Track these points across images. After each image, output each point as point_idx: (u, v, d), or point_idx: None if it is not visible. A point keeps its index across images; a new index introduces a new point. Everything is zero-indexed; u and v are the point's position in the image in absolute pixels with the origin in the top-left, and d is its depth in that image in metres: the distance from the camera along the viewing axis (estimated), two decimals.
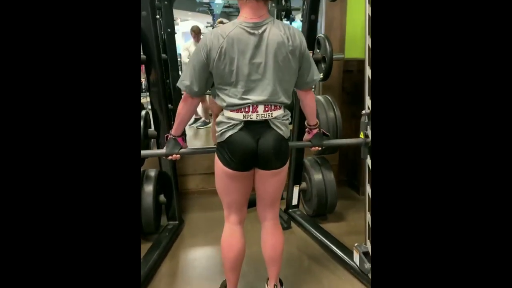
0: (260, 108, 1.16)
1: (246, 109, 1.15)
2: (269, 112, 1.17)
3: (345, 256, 1.70)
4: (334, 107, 1.90)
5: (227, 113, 1.18)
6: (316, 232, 1.95)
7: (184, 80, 1.19)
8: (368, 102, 1.48)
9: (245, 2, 1.13)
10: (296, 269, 1.73)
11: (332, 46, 1.85)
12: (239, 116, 1.16)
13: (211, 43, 1.11)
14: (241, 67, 1.11)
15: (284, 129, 1.21)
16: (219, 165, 1.24)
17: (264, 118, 1.16)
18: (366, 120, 1.46)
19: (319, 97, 1.97)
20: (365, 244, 1.60)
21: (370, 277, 1.49)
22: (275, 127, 1.19)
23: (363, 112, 1.47)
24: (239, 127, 1.16)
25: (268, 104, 1.16)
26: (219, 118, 1.21)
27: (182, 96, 1.24)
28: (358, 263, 1.57)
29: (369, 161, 1.50)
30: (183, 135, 1.36)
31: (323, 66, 1.92)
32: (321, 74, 1.93)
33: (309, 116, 1.36)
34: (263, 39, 1.11)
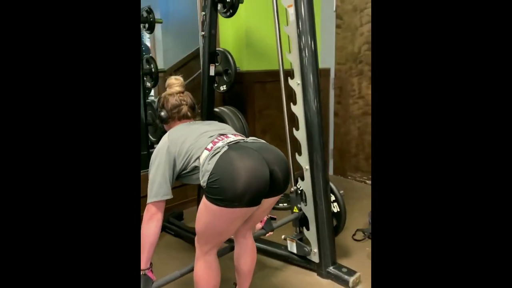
0: (231, 136, 1.19)
1: (220, 138, 1.16)
2: (238, 137, 1.19)
3: (277, 250, 1.86)
4: (240, 117, 2.03)
5: (205, 153, 1.11)
6: None
7: (151, 193, 1.14)
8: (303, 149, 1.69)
9: (177, 122, 1.33)
10: (233, 278, 1.75)
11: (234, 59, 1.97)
12: (218, 144, 1.12)
13: (165, 145, 1.17)
14: (196, 128, 1.22)
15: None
16: (213, 211, 1.05)
17: (241, 139, 1.18)
18: (295, 196, 1.71)
19: (223, 108, 2.04)
20: (296, 232, 1.82)
21: (311, 259, 1.71)
22: (259, 140, 1.20)
23: (292, 189, 1.72)
24: (225, 148, 1.08)
25: (235, 134, 1.22)
26: (200, 166, 1.11)
27: (147, 215, 1.13)
28: (296, 251, 1.76)
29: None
30: (151, 266, 1.17)
31: (225, 78, 2.01)
32: (225, 86, 2.01)
33: None
34: (200, 122, 1.33)
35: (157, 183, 1.13)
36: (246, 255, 1.35)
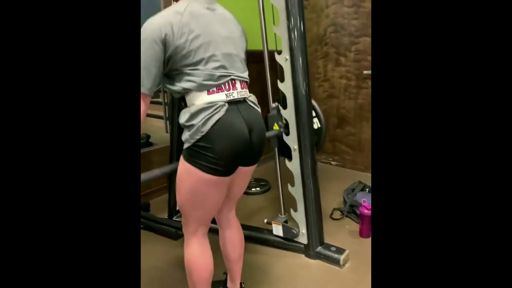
0: (238, 85, 1.04)
1: (227, 86, 1.00)
2: (245, 89, 1.07)
3: (259, 234, 1.79)
4: None
5: (204, 97, 0.97)
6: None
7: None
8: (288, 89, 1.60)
9: None
10: (222, 268, 1.65)
11: None
12: (221, 96, 0.99)
13: (166, 27, 0.93)
14: (211, 40, 0.98)
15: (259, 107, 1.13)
16: (196, 176, 0.98)
17: (243, 96, 1.05)
18: (276, 113, 1.61)
19: None
20: (281, 215, 1.76)
21: (300, 240, 1.68)
22: (254, 106, 1.09)
23: (273, 105, 1.61)
24: (224, 108, 0.97)
25: (242, 80, 1.06)
26: (193, 109, 0.96)
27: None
28: (282, 234, 1.71)
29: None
30: None
31: None
32: None
33: None
34: (221, 16, 1.04)
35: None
36: (233, 239, 1.27)
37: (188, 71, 0.96)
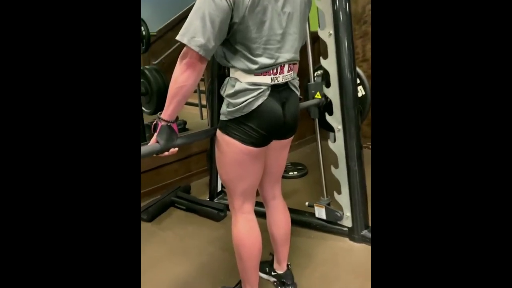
0: (285, 68, 1.01)
1: (275, 71, 0.98)
2: (290, 72, 1.04)
3: (301, 217, 1.77)
4: None
5: (251, 77, 0.96)
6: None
7: (196, 36, 0.84)
8: (323, 63, 1.54)
9: None
10: (269, 249, 1.65)
11: None
12: (267, 80, 0.97)
13: None
14: (274, 18, 0.93)
15: (298, 90, 1.11)
16: (234, 147, 1.01)
17: (287, 79, 1.03)
18: (320, 81, 1.54)
19: None
20: (324, 197, 1.73)
21: (343, 223, 1.64)
22: (294, 89, 1.08)
23: (317, 73, 1.54)
24: (267, 93, 0.98)
25: (291, 63, 1.03)
26: (238, 87, 0.95)
27: (185, 60, 0.87)
28: (325, 217, 1.68)
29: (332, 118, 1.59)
30: (177, 119, 0.98)
31: None
32: None
33: None
34: None
35: (195, 24, 0.84)
36: (279, 217, 1.27)
37: (245, 52, 0.93)
